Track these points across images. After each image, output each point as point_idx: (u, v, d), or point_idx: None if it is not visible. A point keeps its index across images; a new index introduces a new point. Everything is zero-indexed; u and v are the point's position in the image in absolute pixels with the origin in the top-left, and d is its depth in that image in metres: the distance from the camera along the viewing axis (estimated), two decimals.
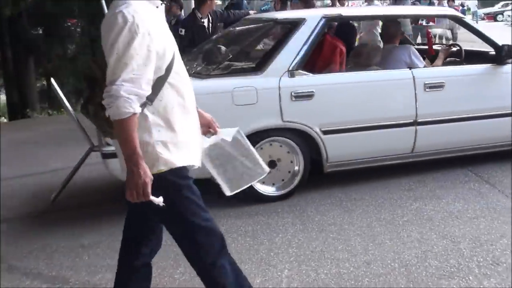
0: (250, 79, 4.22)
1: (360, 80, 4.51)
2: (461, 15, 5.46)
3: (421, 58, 4.95)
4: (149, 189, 2.03)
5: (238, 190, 2.59)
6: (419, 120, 4.52)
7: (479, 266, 3.16)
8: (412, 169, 4.94)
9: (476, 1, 38.04)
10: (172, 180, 2.19)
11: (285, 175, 4.42)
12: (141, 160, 2.02)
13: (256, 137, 4.10)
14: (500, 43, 4.83)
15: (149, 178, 2.03)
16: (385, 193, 4.46)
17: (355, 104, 4.42)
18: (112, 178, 4.24)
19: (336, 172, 4.56)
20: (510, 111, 4.73)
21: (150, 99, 2.08)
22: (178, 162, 2.18)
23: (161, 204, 2.10)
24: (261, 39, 5.16)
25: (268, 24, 4.71)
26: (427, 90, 4.49)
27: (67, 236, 3.96)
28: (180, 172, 2.21)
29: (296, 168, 4.41)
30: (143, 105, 2.05)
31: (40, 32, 13.33)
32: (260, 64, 4.41)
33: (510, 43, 4.86)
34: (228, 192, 2.58)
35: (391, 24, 5.26)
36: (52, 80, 4.49)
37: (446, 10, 7.03)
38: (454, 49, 5.44)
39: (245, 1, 9.12)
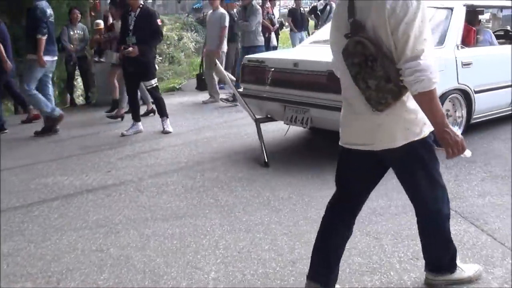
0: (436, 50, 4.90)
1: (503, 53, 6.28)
2: None
3: None
4: (465, 144, 2.40)
5: None
6: None
7: (400, 261, 3.25)
8: None
9: None
10: (429, 142, 2.55)
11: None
12: (447, 122, 2.38)
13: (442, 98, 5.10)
14: None
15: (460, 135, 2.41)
16: (312, 191, 4.53)
17: (497, 70, 5.93)
18: None
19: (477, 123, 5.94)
20: None
21: None
22: (431, 127, 2.47)
23: (469, 155, 2.46)
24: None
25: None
26: None
27: None
28: (431, 134, 2.53)
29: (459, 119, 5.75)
30: None
31: None
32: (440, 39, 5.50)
33: None
34: None
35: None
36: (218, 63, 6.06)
37: None
38: None
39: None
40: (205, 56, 9.50)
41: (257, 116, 5.71)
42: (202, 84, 10.13)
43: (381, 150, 2.53)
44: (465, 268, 2.94)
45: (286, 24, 16.35)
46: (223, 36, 8.93)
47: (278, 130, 6.67)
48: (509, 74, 5.99)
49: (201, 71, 10.10)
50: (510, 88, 6.06)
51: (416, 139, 2.48)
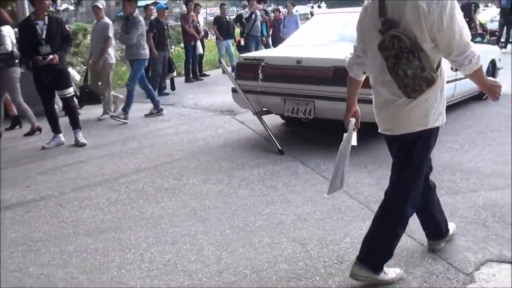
0: None
1: None
2: None
3: None
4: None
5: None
6: None
7: (325, 266, 3.30)
8: (265, 175, 5.09)
9: None
10: (437, 133, 2.99)
11: None
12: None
13: None
14: None
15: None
16: (238, 199, 4.53)
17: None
18: None
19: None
20: None
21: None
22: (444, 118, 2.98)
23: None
24: None
25: None
26: None
27: None
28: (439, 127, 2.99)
29: None
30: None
31: None
32: None
33: None
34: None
35: None
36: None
37: None
38: None
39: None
40: (90, 68, 9.05)
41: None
42: (86, 98, 9.34)
43: (400, 134, 2.91)
44: (388, 271, 3.05)
45: (212, 31, 16.36)
46: (106, 47, 8.51)
47: (207, 137, 6.66)
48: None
49: (85, 84, 9.42)
50: (453, 83, 6.67)
51: (430, 127, 2.86)
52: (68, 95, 6.84)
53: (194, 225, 4.05)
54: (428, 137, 2.90)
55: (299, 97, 6.02)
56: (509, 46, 16.22)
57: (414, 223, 3.84)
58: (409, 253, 3.40)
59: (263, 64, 6.27)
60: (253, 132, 7.02)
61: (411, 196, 2.98)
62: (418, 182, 3.00)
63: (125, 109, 8.25)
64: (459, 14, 2.63)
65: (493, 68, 8.72)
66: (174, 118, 8.37)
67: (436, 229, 3.40)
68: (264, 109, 6.53)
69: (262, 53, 7.41)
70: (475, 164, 5.21)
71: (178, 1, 42.62)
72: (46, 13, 6.65)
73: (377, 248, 3.03)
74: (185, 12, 12.98)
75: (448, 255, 3.36)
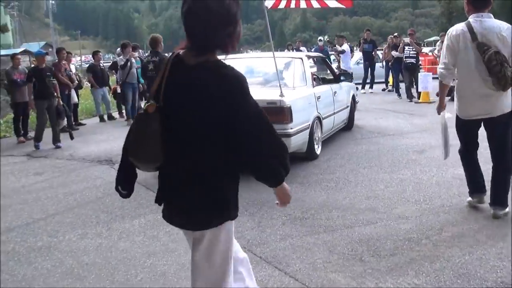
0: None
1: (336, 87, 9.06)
2: None
3: None
4: None
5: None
6: None
7: None
8: (146, 226, 4.97)
9: None
10: None
11: None
12: None
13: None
14: None
15: None
16: (118, 253, 4.37)
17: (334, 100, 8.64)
18: None
19: None
20: None
21: None
22: None
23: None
24: None
25: None
26: None
27: None
28: None
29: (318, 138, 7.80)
30: None
31: None
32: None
33: None
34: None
35: None
36: None
37: None
38: None
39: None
40: None
41: None
42: None
43: (498, 115, 4.56)
44: None
45: (86, 80, 15.95)
46: None
47: (84, 189, 6.39)
48: (344, 102, 9.31)
49: None
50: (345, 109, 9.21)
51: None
52: None
53: (71, 284, 3.83)
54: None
55: None
56: (367, 86, 17.62)
57: (295, 263, 3.93)
58: None
59: None
60: None
61: None
62: None
63: None
64: None
65: (353, 101, 10.22)
66: (48, 170, 7.95)
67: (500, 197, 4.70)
68: None
69: None
70: (350, 201, 5.46)
71: (50, 49, 41.29)
72: None
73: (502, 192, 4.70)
74: (57, 60, 12.59)
75: None
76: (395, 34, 17.54)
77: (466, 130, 4.81)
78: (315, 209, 5.20)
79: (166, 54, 10.91)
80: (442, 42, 19.54)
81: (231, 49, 2.26)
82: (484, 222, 4.63)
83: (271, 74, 7.87)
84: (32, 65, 10.33)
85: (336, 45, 17.22)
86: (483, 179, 4.91)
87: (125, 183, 2.49)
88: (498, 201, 4.67)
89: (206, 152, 2.23)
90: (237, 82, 2.20)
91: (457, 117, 4.84)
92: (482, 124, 4.74)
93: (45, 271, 4.11)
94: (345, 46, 16.71)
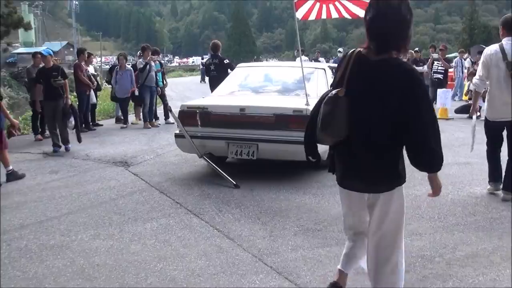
0: None
1: None
2: None
3: None
4: None
5: None
6: None
7: None
8: (158, 229, 4.97)
9: None
10: None
11: None
12: None
13: None
14: None
15: None
16: (129, 255, 4.37)
17: None
18: None
19: None
20: None
21: None
22: None
23: None
24: None
25: None
26: None
27: None
28: None
29: None
30: None
31: None
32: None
33: None
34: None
35: None
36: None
37: None
38: None
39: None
40: None
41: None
42: None
43: None
44: None
45: (105, 80, 16.10)
46: None
47: (98, 190, 6.42)
48: None
49: None
50: None
51: None
52: None
53: (81, 284, 3.84)
54: None
55: (243, 140, 6.79)
56: None
57: (306, 275, 3.91)
58: None
59: (208, 112, 6.97)
60: (147, 184, 6.87)
61: None
62: None
63: None
64: None
65: None
66: (64, 169, 8.00)
67: None
68: (207, 152, 7.12)
69: (205, 101, 7.74)
70: None
71: (71, 49, 41.74)
72: None
73: None
74: (78, 61, 12.71)
75: None
76: (416, 49, 17.47)
77: (493, 129, 5.89)
78: (328, 221, 5.17)
79: (220, 55, 11.12)
80: (461, 59, 19.25)
81: (404, 50, 2.78)
82: (498, 243, 4.57)
83: (294, 83, 7.97)
84: (41, 65, 10.03)
85: None
86: (501, 172, 6.00)
87: (314, 154, 3.19)
88: (510, 187, 5.81)
89: (384, 131, 2.75)
90: (416, 76, 2.78)
91: (486, 119, 5.96)
92: (505, 126, 5.82)
93: (56, 270, 4.13)
94: None
